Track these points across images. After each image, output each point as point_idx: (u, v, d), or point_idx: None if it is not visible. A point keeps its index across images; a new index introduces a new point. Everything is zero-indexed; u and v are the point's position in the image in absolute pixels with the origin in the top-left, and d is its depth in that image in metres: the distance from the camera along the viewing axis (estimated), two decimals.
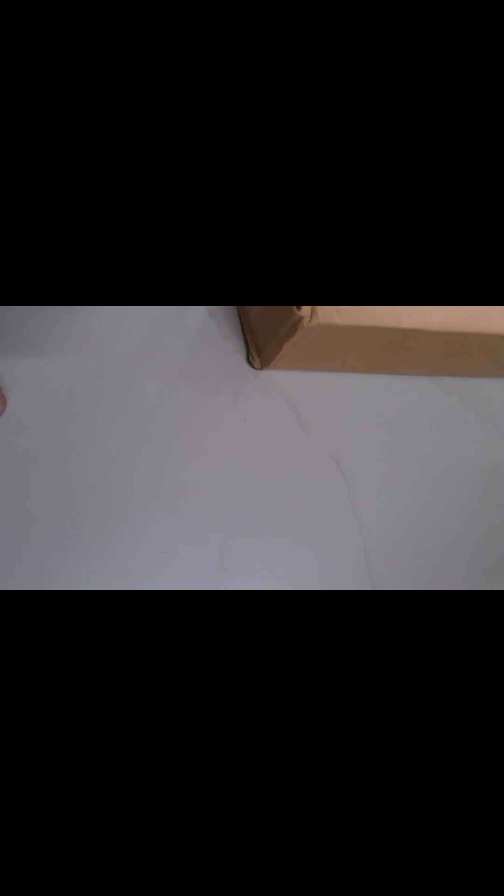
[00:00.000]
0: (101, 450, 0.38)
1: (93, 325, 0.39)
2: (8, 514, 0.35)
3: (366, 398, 0.44)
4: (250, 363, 0.42)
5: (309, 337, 0.35)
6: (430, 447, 0.45)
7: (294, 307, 0.34)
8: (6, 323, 0.37)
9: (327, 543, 0.41)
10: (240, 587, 0.38)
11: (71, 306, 0.38)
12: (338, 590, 0.39)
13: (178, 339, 0.40)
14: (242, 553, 0.39)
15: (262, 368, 0.41)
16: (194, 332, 0.41)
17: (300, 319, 0.34)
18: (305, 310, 0.34)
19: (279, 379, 0.42)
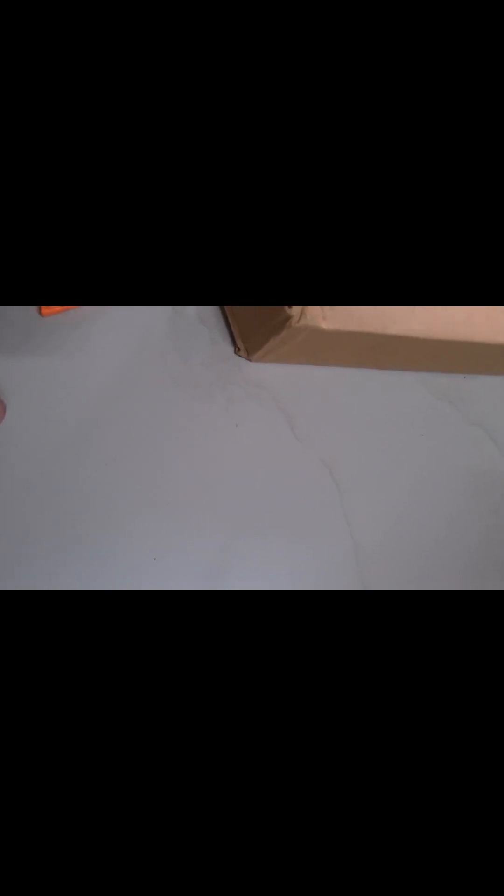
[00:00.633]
0: (95, 458, 0.38)
1: (88, 333, 0.39)
2: (6, 518, 0.36)
3: (357, 404, 0.45)
4: (237, 353, 0.42)
5: (296, 338, 0.36)
6: (421, 453, 0.45)
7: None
8: (5, 330, 0.38)
9: (319, 548, 0.41)
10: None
11: (66, 314, 0.39)
12: (328, 590, 0.39)
13: (170, 346, 0.41)
14: (235, 558, 0.39)
15: (248, 358, 0.41)
16: (186, 338, 0.41)
17: (289, 318, 0.34)
18: (295, 309, 0.34)
19: (271, 385, 0.43)
